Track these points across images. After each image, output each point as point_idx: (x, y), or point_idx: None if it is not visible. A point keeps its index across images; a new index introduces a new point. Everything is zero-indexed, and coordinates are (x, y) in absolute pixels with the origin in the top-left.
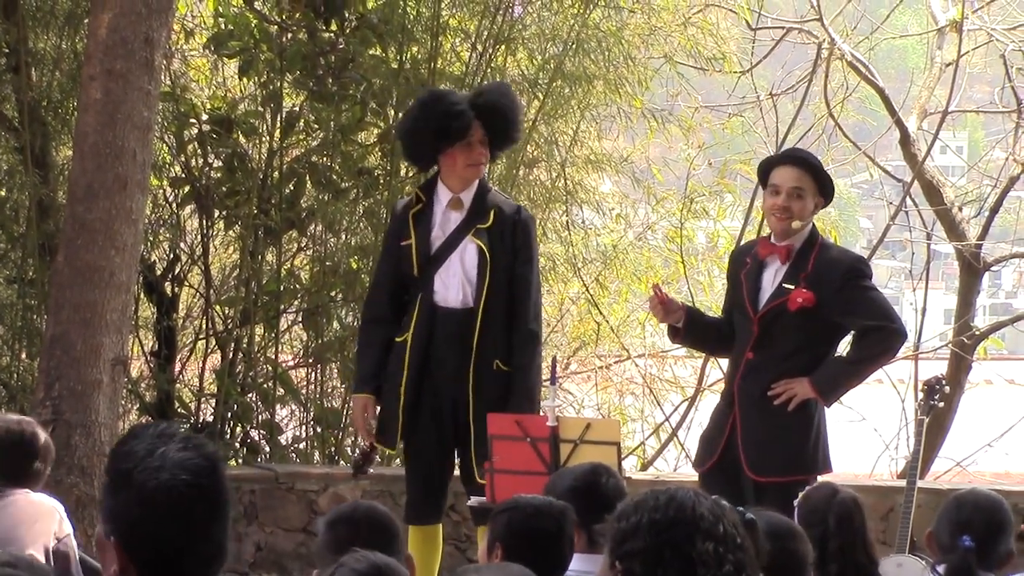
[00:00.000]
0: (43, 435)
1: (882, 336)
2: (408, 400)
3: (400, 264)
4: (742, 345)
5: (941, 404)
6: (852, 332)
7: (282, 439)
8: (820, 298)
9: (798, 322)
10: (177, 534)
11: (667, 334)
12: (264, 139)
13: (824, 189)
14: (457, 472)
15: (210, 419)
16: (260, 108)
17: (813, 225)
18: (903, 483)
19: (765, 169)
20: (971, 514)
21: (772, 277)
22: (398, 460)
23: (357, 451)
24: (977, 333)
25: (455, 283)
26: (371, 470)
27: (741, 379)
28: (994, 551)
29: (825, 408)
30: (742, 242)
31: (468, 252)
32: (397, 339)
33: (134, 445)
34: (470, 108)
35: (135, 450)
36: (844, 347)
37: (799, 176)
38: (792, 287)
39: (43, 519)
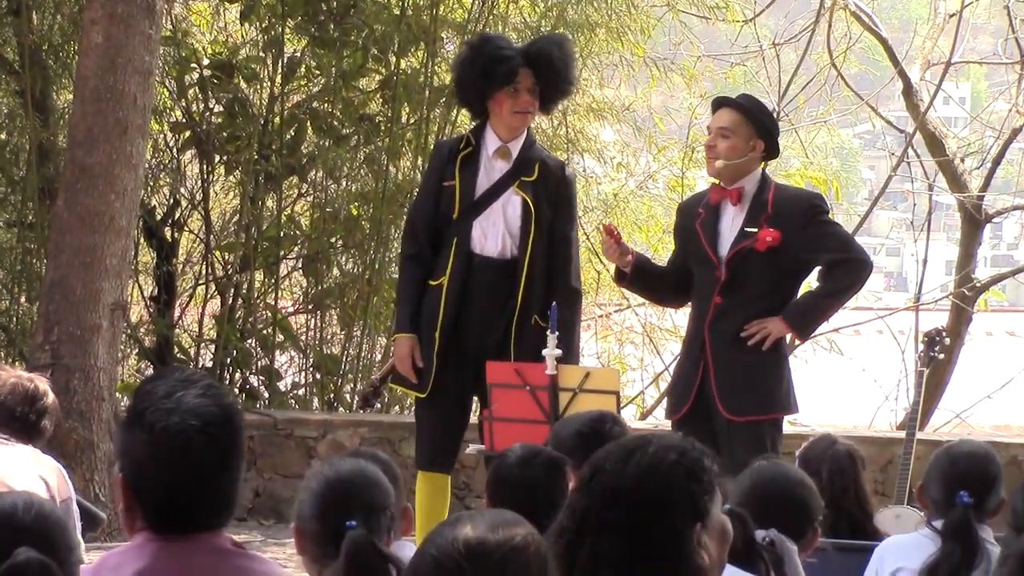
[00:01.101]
0: (52, 394)
1: (849, 268)
2: (441, 346)
3: (440, 203)
4: (706, 293)
5: (941, 356)
6: (819, 268)
7: (281, 385)
8: (785, 236)
9: (766, 261)
10: (184, 480)
11: (614, 277)
12: (265, 85)
13: (763, 129)
14: (474, 421)
15: (209, 365)
16: (261, 53)
17: (764, 169)
18: (902, 435)
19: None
20: (966, 469)
21: (731, 222)
22: (397, 407)
23: (367, 383)
24: (978, 285)
25: (495, 233)
26: (375, 406)
27: (711, 323)
28: (988, 503)
29: (794, 346)
30: None
31: (512, 204)
32: (432, 282)
33: (155, 386)
34: (521, 56)
35: (155, 391)
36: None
37: (727, 117)
38: (755, 229)
39: (49, 474)
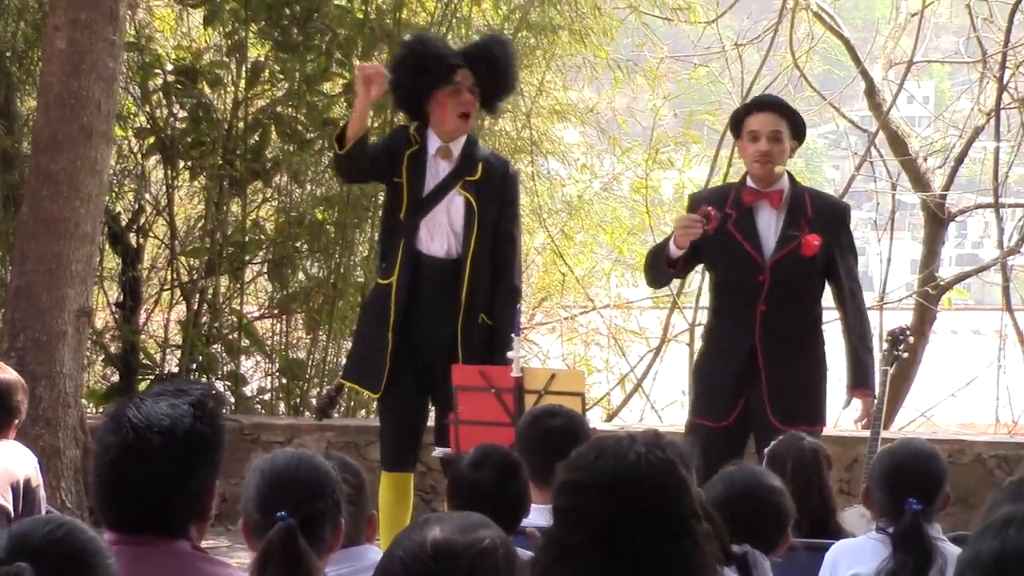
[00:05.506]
0: (9, 370)
1: (860, 303)
2: (394, 346)
3: (391, 201)
4: (746, 299)
5: (906, 355)
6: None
7: (247, 390)
8: (825, 241)
9: (808, 266)
10: (138, 483)
11: (654, 269)
12: (229, 89)
13: (797, 131)
14: (431, 423)
15: (175, 370)
16: (225, 58)
17: (788, 171)
18: (867, 433)
19: (739, 118)
20: (912, 472)
21: (769, 225)
22: (363, 411)
23: (323, 394)
24: (942, 283)
25: (440, 233)
26: (336, 416)
27: (762, 333)
28: (936, 503)
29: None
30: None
31: (455, 204)
32: (381, 281)
33: (147, 392)
34: (461, 56)
35: (142, 397)
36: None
37: (776, 120)
38: (797, 233)
39: (23, 466)
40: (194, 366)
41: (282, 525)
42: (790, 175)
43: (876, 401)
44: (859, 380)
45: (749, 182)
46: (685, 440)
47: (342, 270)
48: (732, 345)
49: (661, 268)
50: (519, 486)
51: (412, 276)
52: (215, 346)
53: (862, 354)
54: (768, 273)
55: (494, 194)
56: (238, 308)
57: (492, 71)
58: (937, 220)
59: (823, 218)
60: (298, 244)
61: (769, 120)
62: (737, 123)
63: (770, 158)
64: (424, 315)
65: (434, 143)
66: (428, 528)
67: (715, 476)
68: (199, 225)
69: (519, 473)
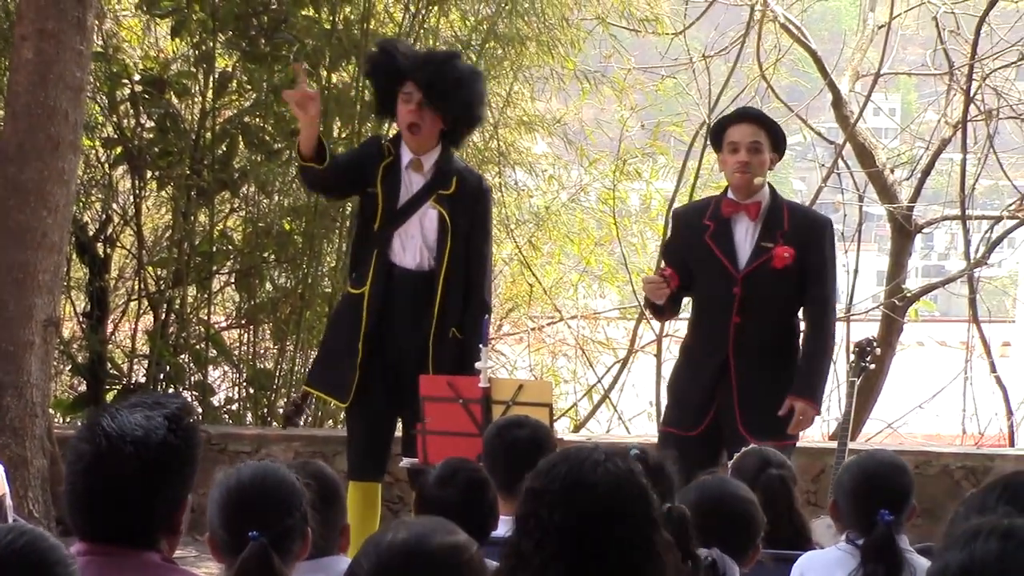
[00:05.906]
0: None
1: (827, 319)
2: (364, 355)
3: (365, 211)
4: (720, 310)
5: (872, 366)
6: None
7: (214, 400)
8: (800, 254)
9: (779, 278)
10: (110, 493)
11: (652, 311)
12: (196, 100)
13: (777, 144)
14: (399, 434)
15: (142, 380)
16: (193, 69)
17: (769, 183)
18: (835, 444)
19: (718, 130)
20: (882, 484)
21: (745, 236)
22: (330, 421)
23: (289, 402)
24: (908, 295)
25: (413, 246)
26: (302, 425)
27: (735, 345)
28: (904, 514)
29: None
30: (675, 204)
31: (429, 217)
32: (353, 291)
33: (121, 403)
34: (412, 67)
35: (117, 407)
36: None
37: (755, 131)
38: (771, 244)
39: None
40: (161, 376)
41: (255, 545)
42: (772, 188)
43: (843, 413)
44: (796, 388)
45: (730, 194)
46: (667, 456)
47: (309, 280)
48: (706, 356)
49: (655, 313)
50: (486, 503)
51: (385, 288)
52: (182, 356)
53: (811, 363)
54: (740, 285)
55: (467, 208)
56: (205, 318)
57: (438, 82)
58: (904, 232)
59: (799, 231)
60: (266, 254)
61: (748, 131)
62: (717, 135)
63: (749, 168)
64: (396, 326)
65: (406, 155)
66: (397, 532)
67: (689, 484)
68: (166, 235)
69: (486, 490)
